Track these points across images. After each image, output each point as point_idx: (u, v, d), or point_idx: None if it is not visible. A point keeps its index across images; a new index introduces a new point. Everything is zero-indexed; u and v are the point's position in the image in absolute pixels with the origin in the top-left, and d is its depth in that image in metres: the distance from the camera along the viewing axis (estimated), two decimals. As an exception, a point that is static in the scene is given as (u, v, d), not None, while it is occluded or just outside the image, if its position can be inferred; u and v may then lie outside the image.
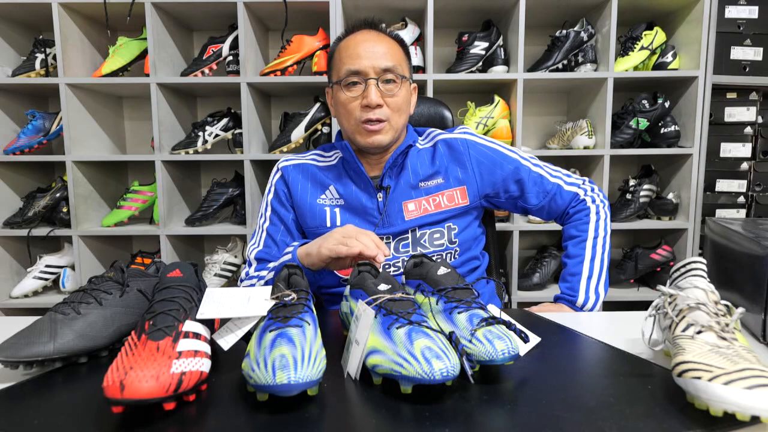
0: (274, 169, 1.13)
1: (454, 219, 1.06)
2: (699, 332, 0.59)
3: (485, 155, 1.08)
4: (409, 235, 1.04)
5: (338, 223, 1.04)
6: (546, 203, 1.09)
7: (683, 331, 0.60)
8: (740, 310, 0.62)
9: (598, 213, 1.08)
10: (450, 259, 1.06)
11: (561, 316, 0.89)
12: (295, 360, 0.55)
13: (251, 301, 0.68)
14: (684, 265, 0.70)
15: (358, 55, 0.98)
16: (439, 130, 1.14)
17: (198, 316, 0.65)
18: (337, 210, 1.05)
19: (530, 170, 1.09)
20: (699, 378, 0.52)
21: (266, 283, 0.99)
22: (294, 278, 0.77)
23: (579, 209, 1.10)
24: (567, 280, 1.05)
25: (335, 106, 1.05)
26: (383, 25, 1.06)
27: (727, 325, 0.59)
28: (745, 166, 1.99)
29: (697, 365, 0.53)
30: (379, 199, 1.04)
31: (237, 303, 0.68)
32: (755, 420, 0.49)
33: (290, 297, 0.67)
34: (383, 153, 1.06)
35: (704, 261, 0.69)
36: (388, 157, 1.05)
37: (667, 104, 1.91)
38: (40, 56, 1.90)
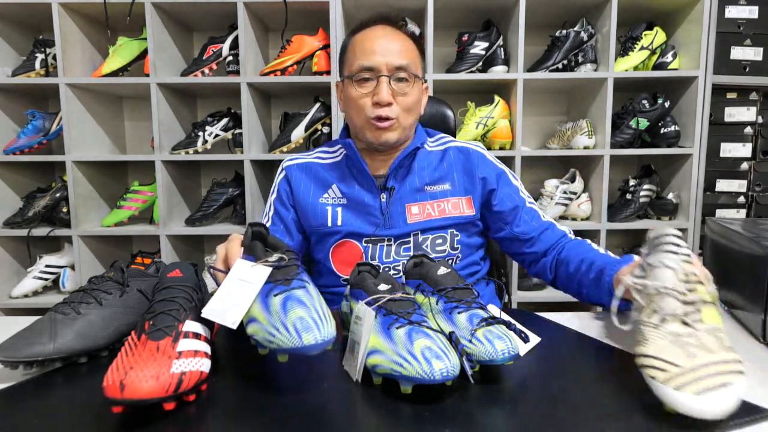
0: (279, 168, 1.13)
1: (458, 227, 1.05)
2: (663, 320, 0.59)
3: (493, 173, 1.07)
4: (411, 239, 1.03)
5: (339, 223, 1.03)
6: (536, 235, 1.05)
7: (648, 317, 0.61)
8: (712, 288, 0.61)
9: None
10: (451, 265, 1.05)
11: (561, 316, 0.89)
12: (314, 321, 0.58)
13: (248, 280, 0.66)
14: (657, 238, 0.67)
15: (372, 50, 0.97)
16: (452, 137, 1.14)
17: (229, 325, 0.63)
18: (339, 209, 1.05)
19: (525, 202, 1.08)
20: (654, 378, 0.54)
21: None
22: (271, 239, 0.76)
23: (571, 239, 1.06)
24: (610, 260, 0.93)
25: (345, 100, 1.04)
26: (403, 21, 1.04)
27: (694, 302, 0.59)
28: (745, 166, 1.99)
29: (655, 361, 0.55)
30: (383, 200, 1.04)
31: (241, 291, 0.66)
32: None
33: (280, 259, 0.67)
34: (390, 151, 1.06)
35: (677, 233, 0.65)
36: (395, 157, 1.04)
37: (667, 104, 1.91)
38: (40, 56, 1.90)
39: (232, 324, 0.62)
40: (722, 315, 0.62)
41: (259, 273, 0.66)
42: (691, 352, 0.54)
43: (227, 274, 0.69)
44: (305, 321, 0.58)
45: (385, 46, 0.98)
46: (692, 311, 0.58)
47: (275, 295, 0.62)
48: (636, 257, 0.80)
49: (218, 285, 0.71)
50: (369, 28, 1.02)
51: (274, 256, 0.69)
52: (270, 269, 0.66)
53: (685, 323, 0.57)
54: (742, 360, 0.55)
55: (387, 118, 0.98)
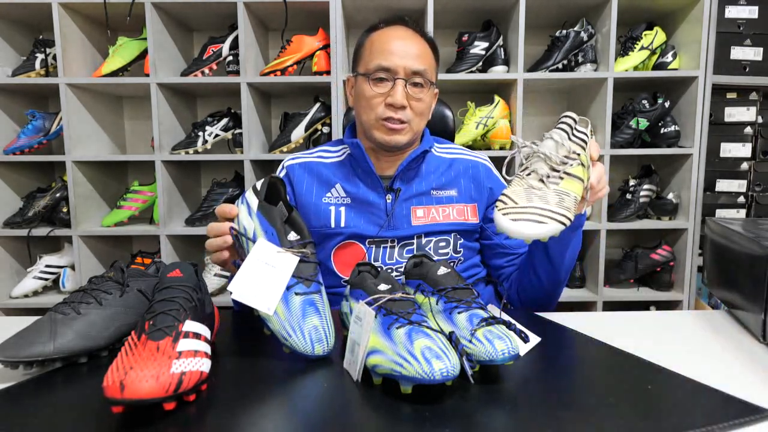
0: (280, 167, 1.12)
1: (461, 232, 1.05)
2: (528, 174, 0.72)
3: (499, 185, 1.09)
4: (415, 241, 1.03)
5: (342, 224, 1.03)
6: (521, 252, 1.08)
7: (521, 171, 0.74)
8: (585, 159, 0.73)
9: None
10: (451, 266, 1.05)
11: (561, 316, 0.89)
12: (325, 333, 0.68)
13: (274, 265, 0.69)
14: (561, 117, 0.76)
15: (391, 51, 0.97)
16: (461, 147, 1.14)
17: (264, 311, 0.67)
18: (342, 209, 1.04)
19: None
20: (496, 207, 0.70)
21: None
22: (295, 216, 0.78)
23: None
24: None
25: (356, 97, 1.03)
26: (422, 28, 1.05)
27: (558, 171, 0.71)
28: (745, 166, 1.99)
29: (505, 198, 0.70)
30: (388, 201, 1.03)
31: (269, 276, 0.69)
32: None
33: (305, 253, 0.72)
34: (397, 153, 1.05)
35: (575, 116, 0.76)
36: (402, 159, 1.04)
37: (667, 104, 1.91)
38: (40, 56, 1.90)
39: (268, 310, 0.67)
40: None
41: (286, 261, 0.70)
42: (531, 198, 0.68)
43: (246, 240, 0.72)
44: (319, 332, 0.67)
45: (404, 49, 0.97)
46: (554, 176, 0.71)
47: (296, 294, 0.69)
48: None
49: (239, 245, 0.75)
50: (389, 27, 1.01)
51: (293, 236, 0.71)
52: (298, 259, 0.70)
53: (542, 181, 0.70)
54: (572, 219, 0.69)
55: (399, 121, 0.98)
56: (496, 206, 0.70)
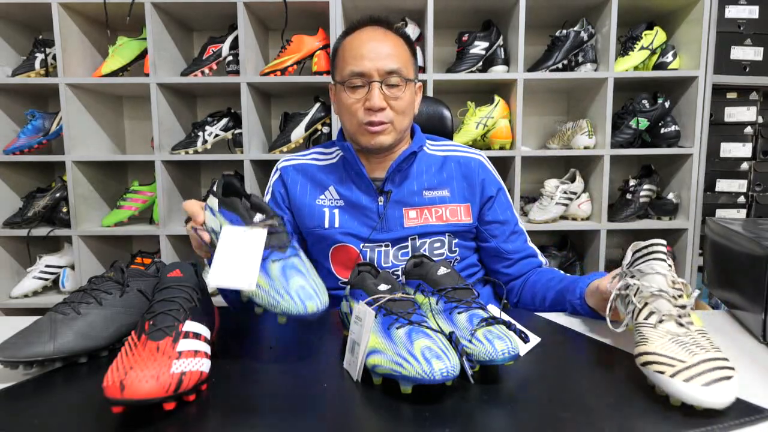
0: (274, 169, 1.12)
1: (455, 233, 1.05)
2: (660, 321, 0.62)
3: (492, 182, 1.09)
4: (409, 243, 1.03)
5: (336, 225, 1.03)
6: (518, 258, 1.09)
7: (645, 318, 0.64)
8: (696, 292, 0.67)
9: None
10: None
11: (561, 316, 0.89)
12: (314, 289, 0.65)
13: (245, 243, 0.67)
14: (646, 247, 0.71)
15: (362, 55, 0.96)
16: (455, 143, 1.13)
17: (246, 287, 0.65)
18: (336, 211, 1.04)
19: (517, 222, 1.11)
20: (662, 372, 0.56)
21: None
22: (254, 199, 0.77)
23: (545, 268, 1.11)
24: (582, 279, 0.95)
25: (338, 105, 1.04)
26: (394, 24, 1.04)
27: (684, 307, 0.63)
28: (745, 166, 1.99)
29: (659, 358, 0.57)
30: (380, 203, 1.03)
31: (243, 254, 0.67)
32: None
33: (273, 224, 0.69)
34: (386, 153, 1.05)
35: (664, 242, 0.70)
36: (392, 160, 1.04)
37: (667, 104, 1.91)
38: (40, 56, 1.90)
39: (249, 286, 0.65)
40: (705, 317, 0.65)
41: (256, 235, 0.68)
42: (690, 349, 0.57)
43: (217, 239, 0.69)
44: (306, 290, 0.64)
45: (375, 50, 0.96)
46: (684, 314, 0.63)
47: (273, 261, 0.66)
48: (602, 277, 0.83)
49: (204, 241, 0.74)
50: (358, 30, 1.01)
51: (259, 217, 0.70)
52: (266, 231, 0.68)
53: (680, 324, 0.61)
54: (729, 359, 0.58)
55: (380, 123, 0.97)
56: (659, 371, 0.56)
